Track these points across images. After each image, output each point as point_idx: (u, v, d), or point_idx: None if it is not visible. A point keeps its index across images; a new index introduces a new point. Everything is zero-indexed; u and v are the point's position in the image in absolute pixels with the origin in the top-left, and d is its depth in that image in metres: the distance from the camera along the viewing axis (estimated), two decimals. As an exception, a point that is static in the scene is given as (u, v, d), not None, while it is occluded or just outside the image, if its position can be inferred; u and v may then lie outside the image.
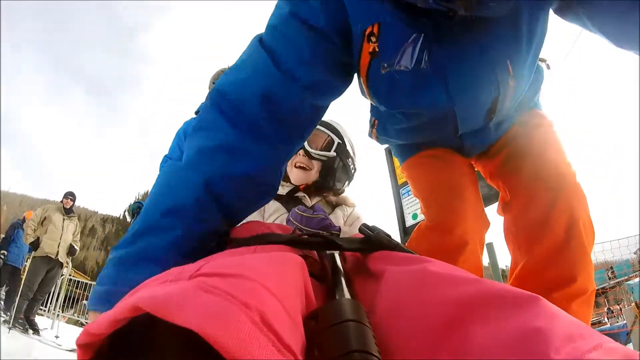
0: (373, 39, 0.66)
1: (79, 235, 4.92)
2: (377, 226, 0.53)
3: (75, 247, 4.75)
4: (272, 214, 0.95)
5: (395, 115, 0.91)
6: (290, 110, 0.63)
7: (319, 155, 1.03)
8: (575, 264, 0.82)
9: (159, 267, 0.47)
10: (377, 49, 0.67)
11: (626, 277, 9.65)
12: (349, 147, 1.10)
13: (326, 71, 0.67)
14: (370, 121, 1.06)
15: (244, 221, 0.67)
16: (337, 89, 0.72)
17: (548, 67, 1.00)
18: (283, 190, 1.03)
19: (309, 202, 1.01)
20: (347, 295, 0.36)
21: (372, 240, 0.50)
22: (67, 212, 4.72)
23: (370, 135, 1.09)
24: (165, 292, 0.22)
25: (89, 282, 7.52)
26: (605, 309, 9.65)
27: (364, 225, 0.53)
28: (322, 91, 0.68)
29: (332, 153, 1.05)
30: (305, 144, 1.03)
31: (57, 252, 4.46)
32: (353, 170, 1.13)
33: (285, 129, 0.63)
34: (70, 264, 6.02)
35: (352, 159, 1.12)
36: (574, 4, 0.65)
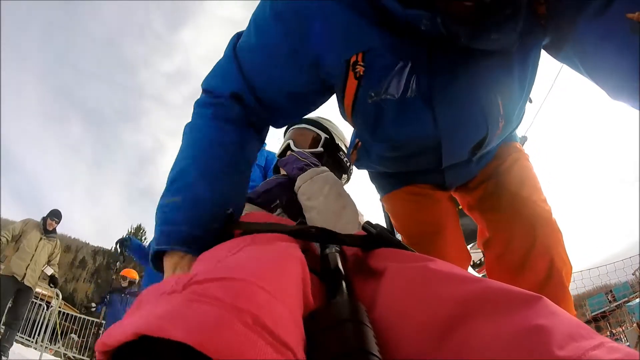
0: (359, 68, 0.63)
1: (57, 258, 4.36)
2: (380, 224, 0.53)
3: (56, 275, 4.26)
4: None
5: (381, 143, 0.91)
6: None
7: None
8: (556, 301, 0.85)
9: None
10: (363, 79, 0.64)
11: (626, 299, 9.55)
12: (338, 141, 1.08)
13: (295, 98, 0.69)
14: (352, 142, 1.03)
15: (248, 211, 0.69)
16: (307, 108, 0.76)
17: (530, 100, 1.04)
18: None
19: None
20: (346, 294, 0.36)
21: (375, 237, 0.49)
22: (47, 232, 4.20)
23: (348, 155, 1.06)
24: (160, 312, 0.23)
25: (79, 315, 7.28)
26: (608, 333, 9.47)
27: (368, 222, 0.53)
28: (288, 112, 0.73)
29: (319, 149, 1.03)
30: (292, 144, 1.02)
31: (25, 274, 3.92)
32: (348, 164, 1.10)
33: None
34: (60, 296, 5.86)
35: (345, 152, 1.09)
36: (566, 44, 0.62)
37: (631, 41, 0.48)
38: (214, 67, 0.72)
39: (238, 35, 0.71)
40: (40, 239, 4.10)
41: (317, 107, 0.77)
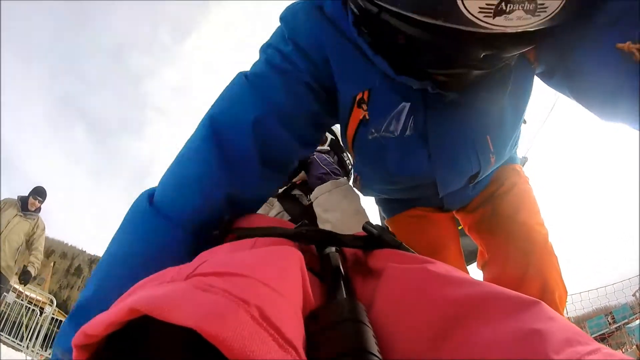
0: (364, 106, 0.66)
1: (41, 241, 3.69)
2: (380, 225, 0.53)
3: (31, 269, 3.52)
4: (269, 212, 0.96)
5: (379, 177, 0.91)
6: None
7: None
8: None
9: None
10: (367, 116, 0.67)
11: (626, 321, 9.45)
12: (342, 143, 1.09)
13: (302, 126, 0.67)
14: (353, 175, 1.06)
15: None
16: (309, 146, 0.74)
17: (524, 121, 1.07)
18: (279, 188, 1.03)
19: (305, 200, 1.00)
20: (346, 294, 0.36)
21: (375, 238, 0.49)
22: (24, 208, 3.56)
23: (354, 184, 1.07)
24: (163, 293, 0.22)
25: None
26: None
27: (368, 223, 0.53)
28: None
29: (326, 147, 1.07)
30: None
31: None
32: (350, 166, 1.13)
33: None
34: (54, 302, 5.80)
35: (348, 155, 1.12)
36: (556, 73, 0.63)
37: (622, 70, 0.49)
38: (220, 97, 0.66)
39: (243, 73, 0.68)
40: (15, 215, 3.51)
41: (325, 130, 0.78)
